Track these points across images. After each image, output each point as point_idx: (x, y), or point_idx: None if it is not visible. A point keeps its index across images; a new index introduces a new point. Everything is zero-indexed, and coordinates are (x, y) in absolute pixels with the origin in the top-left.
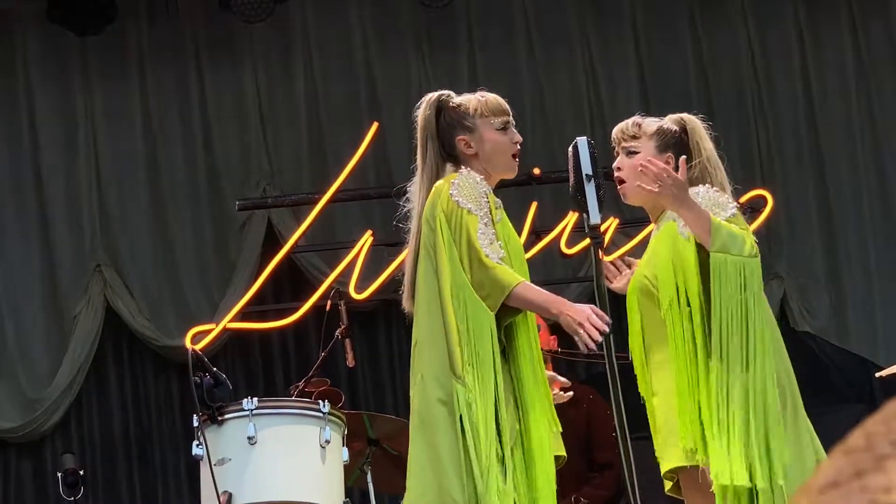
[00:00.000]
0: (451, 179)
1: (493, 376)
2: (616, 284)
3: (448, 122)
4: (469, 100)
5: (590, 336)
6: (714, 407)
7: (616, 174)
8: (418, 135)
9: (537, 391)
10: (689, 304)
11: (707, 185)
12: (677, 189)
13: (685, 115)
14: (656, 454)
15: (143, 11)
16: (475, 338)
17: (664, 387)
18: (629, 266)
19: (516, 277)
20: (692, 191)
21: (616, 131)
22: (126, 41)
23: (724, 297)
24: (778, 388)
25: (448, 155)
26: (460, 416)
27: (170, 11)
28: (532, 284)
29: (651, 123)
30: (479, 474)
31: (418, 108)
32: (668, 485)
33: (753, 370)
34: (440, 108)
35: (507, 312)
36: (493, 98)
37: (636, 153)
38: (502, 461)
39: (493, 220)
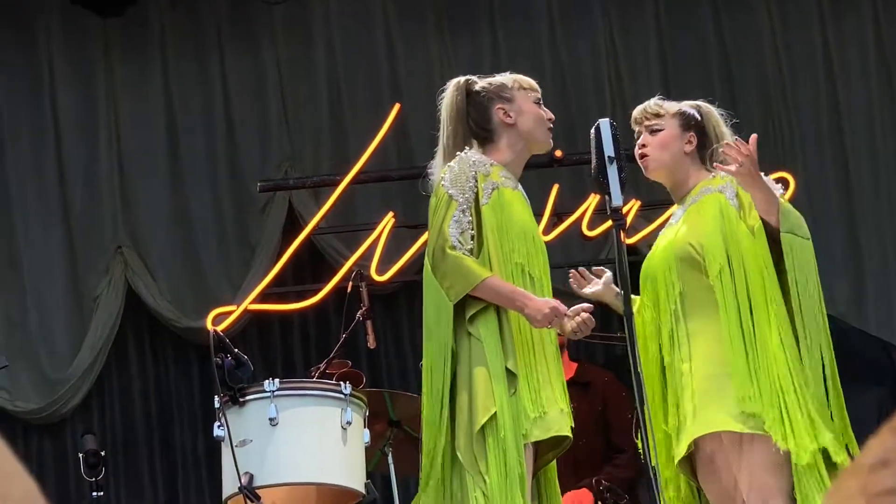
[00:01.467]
0: (450, 164)
1: (443, 366)
2: (586, 291)
3: (484, 96)
4: (503, 76)
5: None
6: (803, 386)
7: (640, 150)
8: (444, 118)
9: (528, 371)
10: (744, 273)
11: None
12: (754, 169)
13: (700, 102)
14: (683, 418)
15: None
16: (432, 327)
17: (700, 352)
18: (599, 276)
19: (485, 270)
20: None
21: (637, 112)
22: (147, 22)
23: (800, 278)
24: None
25: (480, 130)
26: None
27: None
28: (499, 279)
29: (671, 104)
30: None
31: (443, 91)
32: (683, 450)
33: (830, 350)
34: (469, 90)
35: (470, 304)
36: (526, 77)
37: (660, 130)
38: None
39: (477, 204)
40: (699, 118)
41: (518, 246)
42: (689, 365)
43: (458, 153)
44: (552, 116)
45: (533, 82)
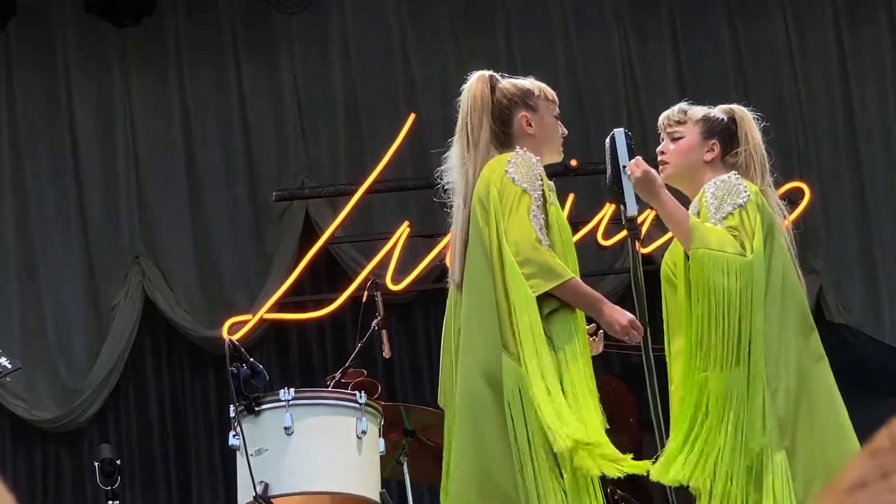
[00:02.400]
0: (507, 158)
1: (537, 351)
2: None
3: (509, 98)
4: (530, 81)
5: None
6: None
7: (659, 157)
8: (468, 108)
9: (583, 381)
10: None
11: (734, 172)
12: (647, 183)
13: (735, 106)
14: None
15: (181, 2)
16: (524, 311)
17: (678, 375)
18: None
19: (568, 271)
20: (721, 178)
21: (662, 118)
22: (164, 32)
23: (700, 291)
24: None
25: (500, 132)
26: (511, 397)
27: (207, 2)
28: (579, 281)
29: (697, 110)
30: (529, 460)
31: (468, 81)
32: None
33: (738, 369)
34: (493, 85)
35: (547, 302)
36: (549, 88)
37: (680, 138)
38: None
39: (546, 202)
40: (727, 123)
41: (569, 253)
42: (671, 387)
43: (491, 146)
44: (566, 132)
45: (555, 95)
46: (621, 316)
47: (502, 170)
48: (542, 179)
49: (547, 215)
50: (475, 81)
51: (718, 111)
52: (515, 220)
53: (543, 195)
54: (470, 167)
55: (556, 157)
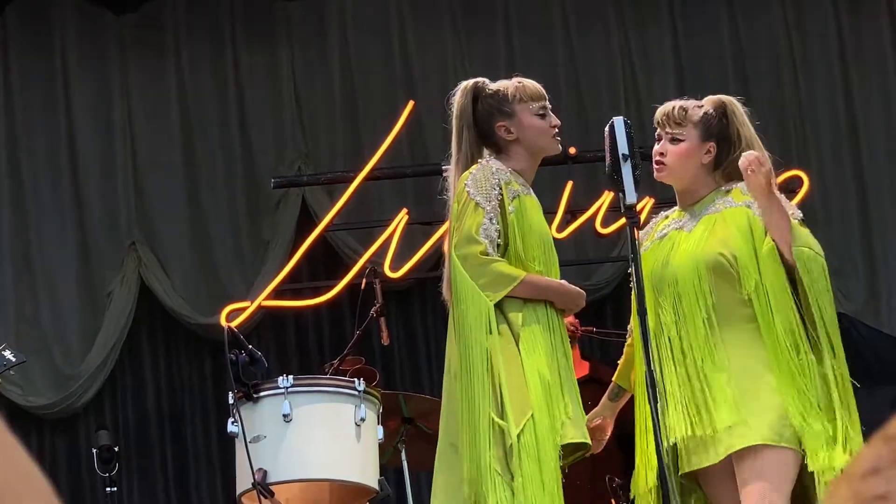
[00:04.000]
0: (470, 171)
1: (485, 367)
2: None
3: (486, 109)
4: (506, 85)
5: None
6: (821, 396)
7: (658, 158)
8: (454, 123)
9: (553, 377)
10: (773, 292)
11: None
12: (767, 181)
13: (725, 99)
14: (716, 428)
15: None
16: (478, 326)
17: (737, 364)
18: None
19: (520, 270)
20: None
21: (660, 114)
22: (162, 19)
23: (815, 290)
24: None
25: (486, 141)
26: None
27: None
28: (534, 275)
29: (696, 111)
30: (476, 477)
31: (453, 95)
32: (715, 459)
33: (840, 359)
34: (476, 95)
35: (511, 303)
36: (530, 83)
37: (681, 141)
38: (505, 458)
39: (504, 212)
40: (722, 121)
41: (538, 254)
42: (724, 376)
43: (476, 159)
44: (557, 122)
45: (537, 89)
46: (577, 294)
47: (463, 184)
48: (500, 188)
49: (505, 226)
50: (458, 95)
51: (710, 106)
52: (464, 234)
53: (503, 204)
54: (454, 178)
55: (552, 152)
